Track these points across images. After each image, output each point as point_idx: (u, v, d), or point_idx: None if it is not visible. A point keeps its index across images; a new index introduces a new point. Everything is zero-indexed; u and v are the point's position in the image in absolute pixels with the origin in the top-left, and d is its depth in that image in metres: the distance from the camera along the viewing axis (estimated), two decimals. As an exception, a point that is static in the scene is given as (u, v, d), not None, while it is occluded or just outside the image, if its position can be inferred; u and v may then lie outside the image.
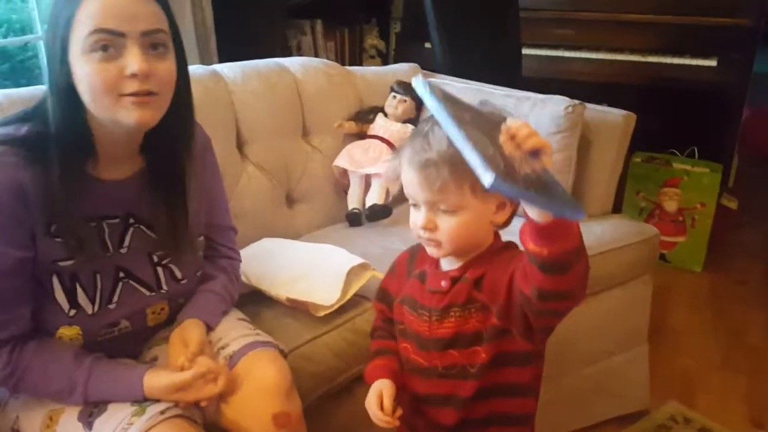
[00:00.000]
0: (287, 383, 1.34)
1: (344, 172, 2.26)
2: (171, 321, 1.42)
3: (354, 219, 2.18)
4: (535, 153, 0.90)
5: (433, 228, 1.14)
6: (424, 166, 1.10)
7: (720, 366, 2.54)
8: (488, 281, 1.15)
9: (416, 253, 1.29)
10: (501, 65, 2.97)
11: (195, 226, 1.40)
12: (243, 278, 1.73)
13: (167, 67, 1.20)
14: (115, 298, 1.31)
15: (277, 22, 3.36)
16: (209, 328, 1.41)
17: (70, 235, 1.22)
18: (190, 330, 1.35)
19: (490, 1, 2.95)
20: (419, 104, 2.34)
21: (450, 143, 0.98)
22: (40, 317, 1.26)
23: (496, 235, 1.21)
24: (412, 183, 1.13)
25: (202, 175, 1.42)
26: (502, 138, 0.91)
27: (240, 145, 2.11)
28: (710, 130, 3.32)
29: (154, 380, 1.24)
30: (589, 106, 2.14)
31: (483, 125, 0.95)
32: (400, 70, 2.58)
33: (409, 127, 2.30)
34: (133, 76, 1.13)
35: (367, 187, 2.23)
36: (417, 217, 1.15)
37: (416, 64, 2.64)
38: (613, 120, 2.16)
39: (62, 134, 1.18)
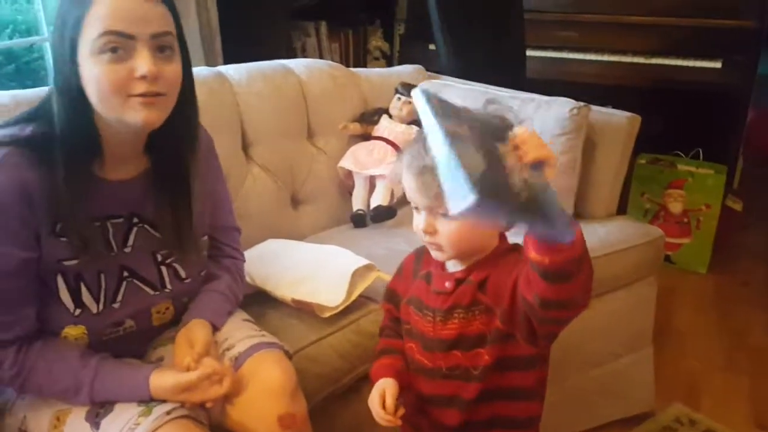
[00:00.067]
0: (292, 384, 1.34)
1: (349, 174, 2.26)
2: (176, 321, 1.42)
3: (358, 220, 2.19)
4: (538, 165, 0.90)
5: (432, 232, 1.15)
6: (421, 173, 1.11)
7: (724, 367, 2.54)
8: (492, 284, 1.15)
9: (422, 254, 1.30)
10: (505, 67, 2.97)
11: (199, 226, 1.41)
12: (248, 279, 1.73)
13: (174, 68, 1.21)
14: (120, 298, 1.31)
15: (282, 24, 3.37)
16: (215, 329, 1.42)
17: (75, 235, 1.23)
18: (195, 330, 1.36)
19: (493, 3, 2.95)
20: (424, 106, 2.34)
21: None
22: (45, 317, 1.26)
23: (503, 237, 1.21)
24: (410, 188, 1.14)
25: (205, 176, 1.43)
26: (508, 148, 0.91)
27: (245, 147, 2.12)
28: (715, 131, 3.32)
29: (160, 380, 1.24)
30: (594, 108, 2.14)
31: (481, 139, 0.92)
32: (405, 71, 2.59)
33: (414, 128, 2.30)
34: (143, 77, 1.15)
35: (372, 188, 2.23)
36: (418, 220, 1.17)
37: (421, 66, 2.64)
38: (617, 122, 2.16)
39: (68, 134, 1.19)
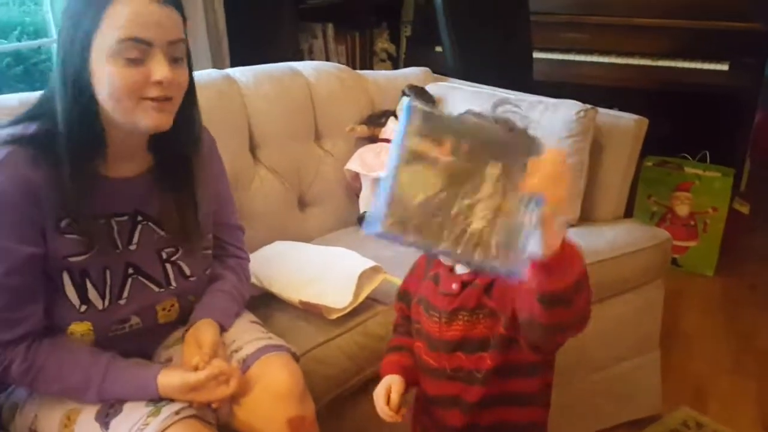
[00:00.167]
0: (300, 387, 1.35)
1: (356, 176, 2.27)
2: (182, 319, 1.43)
3: (366, 222, 2.18)
4: (538, 199, 0.89)
5: None
6: None
7: (731, 370, 2.53)
8: (498, 288, 1.15)
9: None
10: (512, 69, 2.97)
11: (204, 225, 1.43)
12: (255, 281, 1.74)
13: (184, 74, 1.25)
14: (125, 294, 1.32)
15: (289, 26, 3.37)
16: (222, 329, 1.42)
17: (80, 232, 1.24)
18: (203, 331, 1.36)
19: (501, 5, 2.96)
20: (431, 108, 2.35)
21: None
22: (51, 313, 1.27)
23: None
24: None
25: (208, 176, 1.44)
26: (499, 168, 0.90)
27: (253, 149, 2.12)
28: (722, 134, 3.31)
29: (168, 379, 1.25)
30: (601, 110, 2.14)
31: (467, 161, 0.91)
32: (412, 74, 2.59)
33: (421, 130, 2.30)
34: (158, 83, 1.18)
35: (379, 190, 2.23)
36: None
37: (427, 68, 2.64)
38: (625, 124, 2.16)
39: (73, 132, 1.20)
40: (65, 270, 1.26)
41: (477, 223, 0.91)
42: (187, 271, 1.41)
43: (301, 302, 1.67)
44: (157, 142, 1.32)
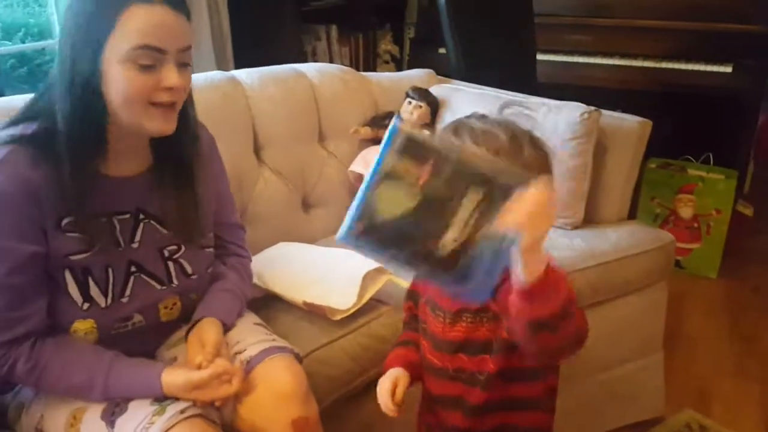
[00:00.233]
0: (304, 388, 1.35)
1: (359, 177, 2.26)
2: (184, 318, 1.44)
3: (369, 224, 2.18)
4: (517, 235, 0.89)
5: None
6: None
7: (734, 372, 2.53)
8: (503, 292, 1.14)
9: None
10: (515, 70, 2.98)
11: (205, 222, 1.45)
12: (259, 282, 1.74)
13: (189, 78, 1.28)
14: (128, 292, 1.33)
15: (292, 28, 3.38)
16: (225, 327, 1.43)
17: (82, 231, 1.26)
18: (207, 330, 1.37)
19: (505, 7, 2.96)
20: (434, 110, 2.35)
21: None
22: (54, 312, 1.28)
23: None
24: None
25: (208, 174, 1.47)
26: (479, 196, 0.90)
27: (257, 150, 2.13)
28: (725, 136, 3.31)
29: (172, 377, 1.26)
30: (605, 112, 2.14)
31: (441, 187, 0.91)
32: (416, 75, 2.59)
33: (425, 132, 2.30)
34: (169, 89, 1.21)
35: (383, 192, 2.23)
36: None
37: (431, 70, 2.64)
38: (628, 126, 2.16)
39: (75, 131, 1.21)
40: (67, 268, 1.27)
41: (448, 245, 0.92)
42: (189, 269, 1.42)
43: (305, 303, 1.68)
44: (157, 141, 1.34)
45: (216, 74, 2.12)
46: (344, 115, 2.31)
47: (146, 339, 1.42)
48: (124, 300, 1.33)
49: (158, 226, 1.38)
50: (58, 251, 1.25)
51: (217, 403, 1.28)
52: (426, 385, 1.30)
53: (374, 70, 3.97)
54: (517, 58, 3.05)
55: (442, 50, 3.42)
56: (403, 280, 1.73)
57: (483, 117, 1.15)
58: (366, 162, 2.24)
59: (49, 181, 1.21)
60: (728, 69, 3.20)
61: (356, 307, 1.66)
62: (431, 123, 2.35)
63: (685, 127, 3.35)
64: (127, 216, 1.34)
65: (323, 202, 2.25)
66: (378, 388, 1.27)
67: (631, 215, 2.29)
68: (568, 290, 0.96)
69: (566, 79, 3.46)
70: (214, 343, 1.34)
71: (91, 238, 1.26)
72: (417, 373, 1.28)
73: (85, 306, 1.29)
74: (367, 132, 2.31)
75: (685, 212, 3.20)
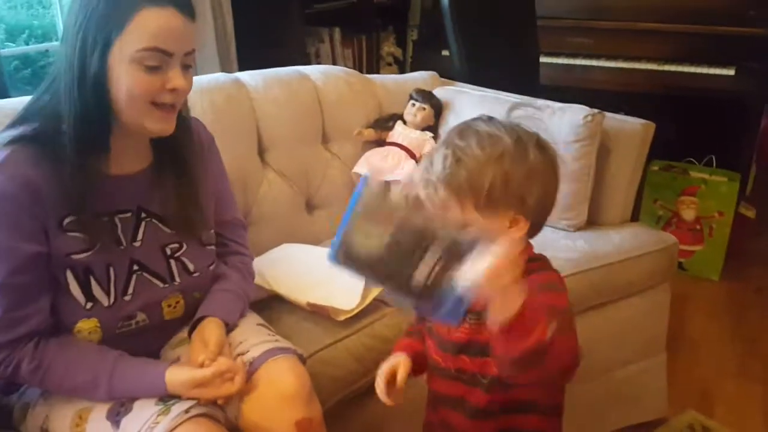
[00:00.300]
0: (307, 389, 1.36)
1: (363, 179, 2.27)
2: (187, 316, 1.44)
3: (373, 225, 2.19)
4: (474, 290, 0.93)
5: None
6: (425, 186, 1.14)
7: (737, 374, 2.53)
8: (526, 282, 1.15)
9: None
10: (519, 73, 2.98)
11: (206, 219, 1.46)
12: (263, 283, 1.75)
13: (191, 79, 1.30)
14: (130, 291, 1.34)
15: (296, 30, 3.39)
16: (228, 327, 1.44)
17: (83, 230, 1.27)
18: (209, 330, 1.38)
19: (508, 10, 2.96)
20: (438, 112, 2.36)
21: (445, 165, 1.07)
22: (58, 312, 1.29)
23: (528, 246, 1.20)
24: (421, 197, 1.17)
25: (207, 170, 1.49)
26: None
27: (261, 152, 2.13)
28: (728, 138, 3.31)
29: (175, 375, 1.27)
30: (608, 115, 2.14)
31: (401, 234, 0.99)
32: (419, 78, 2.60)
33: (428, 134, 2.31)
34: (173, 90, 1.23)
35: (386, 194, 2.24)
36: None
37: (435, 73, 2.65)
38: (631, 129, 2.16)
39: (79, 129, 1.22)
40: (69, 268, 1.27)
41: (419, 284, 0.98)
42: (191, 267, 1.43)
43: (309, 304, 1.68)
44: (157, 139, 1.36)
45: (220, 76, 2.13)
46: (348, 117, 2.32)
47: (150, 338, 1.43)
48: (127, 298, 1.34)
49: (160, 225, 1.39)
50: (59, 251, 1.26)
51: (220, 401, 1.29)
52: (430, 385, 1.30)
53: (377, 72, 3.98)
54: (520, 60, 3.06)
55: (444, 52, 3.43)
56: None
57: (490, 120, 1.15)
58: (370, 164, 2.25)
59: (51, 181, 1.22)
60: (731, 72, 3.20)
61: (360, 308, 1.67)
62: (435, 125, 2.36)
63: (687, 129, 3.35)
64: (129, 215, 1.35)
65: (327, 204, 2.26)
66: (377, 374, 1.27)
67: (634, 217, 2.30)
68: (547, 323, 0.95)
69: (569, 82, 3.46)
70: (217, 343, 1.35)
71: (92, 237, 1.28)
72: (421, 363, 1.29)
73: (89, 305, 1.29)
74: (370, 134, 2.32)
75: (688, 214, 3.20)
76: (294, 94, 2.21)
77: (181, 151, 1.40)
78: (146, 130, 1.27)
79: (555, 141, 1.93)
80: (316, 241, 2.10)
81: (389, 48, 4.13)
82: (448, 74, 2.72)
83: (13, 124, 1.28)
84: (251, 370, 1.35)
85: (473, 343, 1.19)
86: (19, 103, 1.63)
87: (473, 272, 0.92)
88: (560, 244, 2.03)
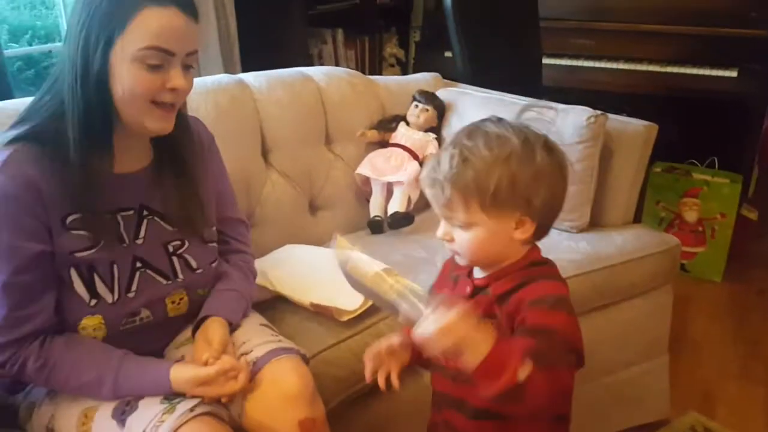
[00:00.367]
0: (310, 389, 1.36)
1: (366, 180, 2.28)
2: (192, 314, 1.45)
3: (376, 226, 2.20)
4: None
5: (450, 239, 1.17)
6: (431, 185, 1.14)
7: (739, 376, 2.53)
8: (514, 301, 1.14)
9: None
10: (521, 74, 2.99)
11: (207, 216, 1.47)
12: (267, 284, 1.75)
13: (192, 80, 1.31)
14: (134, 287, 1.35)
15: (299, 31, 3.40)
16: (231, 327, 1.45)
17: (87, 228, 1.27)
18: (213, 329, 1.39)
19: (511, 11, 2.97)
20: (441, 113, 2.36)
21: (452, 165, 1.09)
22: (62, 310, 1.30)
23: (534, 249, 1.20)
24: (427, 197, 1.18)
25: (207, 168, 1.50)
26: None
27: (264, 153, 2.14)
28: (730, 140, 3.31)
29: (180, 373, 1.28)
30: (611, 116, 2.14)
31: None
32: (422, 79, 2.60)
33: (431, 135, 2.32)
34: (173, 89, 1.24)
35: (389, 195, 2.25)
36: (440, 227, 1.19)
37: (438, 74, 2.65)
38: (634, 130, 2.16)
39: (83, 126, 1.23)
40: (72, 266, 1.28)
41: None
42: (194, 264, 1.44)
43: (312, 304, 1.69)
44: (157, 137, 1.37)
45: (224, 77, 2.14)
46: (351, 118, 2.32)
47: (155, 335, 1.43)
48: (131, 295, 1.35)
49: (162, 222, 1.40)
50: (63, 249, 1.27)
51: (223, 400, 1.30)
52: (434, 385, 1.31)
53: (380, 73, 3.99)
54: (523, 62, 3.07)
55: (447, 54, 3.43)
56: (407, 281, 1.74)
57: (499, 121, 1.15)
58: (373, 165, 2.25)
59: (53, 180, 1.23)
60: (733, 73, 3.20)
61: (363, 308, 1.67)
62: (438, 126, 2.36)
63: (690, 131, 3.35)
64: (131, 212, 1.36)
65: (330, 205, 2.27)
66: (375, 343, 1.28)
67: (637, 219, 2.30)
68: (515, 369, 0.98)
69: (571, 83, 3.46)
70: (221, 342, 1.36)
71: (95, 235, 1.29)
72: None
73: (93, 302, 1.30)
74: (374, 135, 2.33)
75: (690, 216, 3.20)
76: (297, 96, 2.21)
77: (180, 149, 1.41)
78: (146, 128, 1.28)
79: (558, 142, 1.93)
80: (319, 242, 2.09)
81: (392, 49, 4.14)
82: (451, 75, 2.73)
83: (14, 125, 1.29)
84: (254, 370, 1.36)
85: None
86: (22, 104, 1.64)
87: (422, 332, 1.00)
88: (563, 245, 2.03)
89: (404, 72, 4.12)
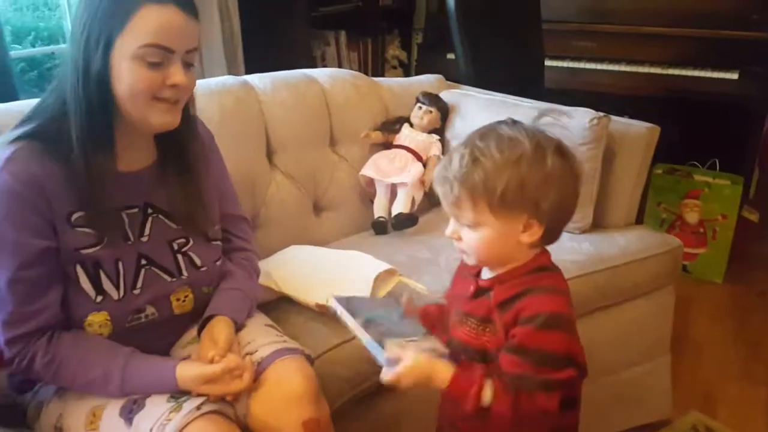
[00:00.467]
0: (314, 390, 1.37)
1: (370, 181, 2.29)
2: (197, 312, 1.46)
3: (380, 227, 2.20)
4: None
5: (458, 238, 1.18)
6: (442, 183, 1.15)
7: (740, 377, 2.54)
8: (512, 312, 1.14)
9: None
10: (523, 76, 2.99)
11: (211, 214, 1.49)
12: (272, 284, 1.76)
13: (194, 77, 1.33)
14: (139, 284, 1.36)
15: (302, 33, 3.41)
16: (236, 326, 1.46)
17: (92, 226, 1.29)
18: (218, 328, 1.40)
19: (513, 13, 2.98)
20: (444, 115, 2.37)
21: (462, 164, 1.11)
22: (68, 306, 1.31)
23: (543, 253, 1.21)
24: (438, 194, 1.19)
25: (209, 166, 1.52)
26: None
27: (269, 154, 2.15)
28: (731, 142, 3.31)
29: (186, 371, 1.29)
30: (614, 118, 2.15)
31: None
32: (426, 81, 2.61)
33: (434, 137, 2.33)
34: (174, 86, 1.26)
35: (393, 196, 2.25)
36: (449, 225, 1.20)
37: (441, 76, 2.66)
38: (637, 132, 2.17)
39: (86, 124, 1.24)
40: (78, 262, 1.30)
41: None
42: (198, 262, 1.45)
43: (317, 305, 1.69)
44: (161, 136, 1.38)
45: (229, 79, 2.15)
46: (355, 119, 2.33)
47: (161, 333, 1.44)
48: (136, 292, 1.36)
49: (166, 221, 1.41)
50: (68, 245, 1.28)
51: (228, 398, 1.31)
52: None
53: (382, 75, 4.00)
54: (525, 63, 3.07)
55: (449, 55, 3.44)
56: (412, 281, 1.76)
57: (514, 123, 1.15)
58: (376, 166, 2.26)
59: (59, 177, 1.25)
60: (734, 76, 3.20)
61: (368, 309, 1.68)
62: (441, 128, 2.37)
63: (691, 133, 3.36)
64: (136, 210, 1.37)
65: (334, 206, 2.27)
66: None
67: (638, 220, 2.31)
68: (475, 397, 1.11)
69: (573, 85, 3.46)
70: (226, 340, 1.37)
71: (100, 232, 1.30)
72: (430, 321, 1.34)
73: (99, 299, 1.31)
74: (377, 136, 2.34)
75: (691, 217, 3.21)
76: (302, 97, 2.22)
77: (185, 147, 1.42)
78: (151, 125, 1.29)
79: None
80: (323, 243, 2.11)
81: (394, 51, 4.15)
82: (452, 77, 2.74)
83: (19, 124, 1.31)
84: (259, 370, 1.37)
85: (471, 346, 1.20)
86: (27, 105, 1.65)
87: (383, 377, 1.15)
88: (566, 246, 2.04)
89: (406, 74, 4.13)
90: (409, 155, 2.27)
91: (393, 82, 2.58)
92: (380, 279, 1.71)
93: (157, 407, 1.26)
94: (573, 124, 2.07)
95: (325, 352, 1.60)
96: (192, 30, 1.28)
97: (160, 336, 1.44)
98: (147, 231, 1.38)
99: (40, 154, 1.24)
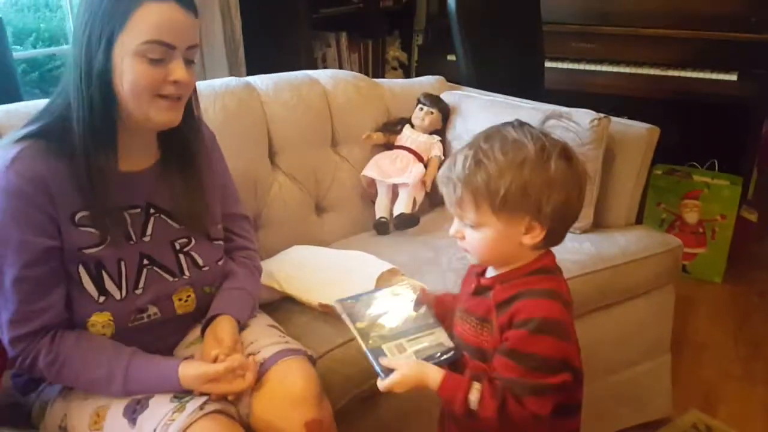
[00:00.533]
0: (317, 391, 1.37)
1: (372, 182, 2.29)
2: (199, 312, 1.47)
3: (382, 228, 2.21)
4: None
5: (461, 237, 1.19)
6: (445, 184, 1.17)
7: (740, 377, 2.55)
8: (508, 314, 1.14)
9: None
10: (524, 77, 3.00)
11: (213, 213, 1.49)
12: (275, 284, 1.77)
13: (194, 74, 1.34)
14: (141, 284, 1.37)
15: (303, 35, 3.42)
16: (239, 325, 1.46)
17: (95, 225, 1.30)
18: (222, 327, 1.41)
19: (514, 15, 2.99)
20: (445, 116, 2.38)
21: (466, 166, 1.12)
22: (71, 306, 1.31)
23: (547, 255, 1.22)
24: (443, 195, 1.20)
25: (211, 166, 1.53)
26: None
27: (271, 155, 2.16)
28: (730, 143, 3.33)
29: (189, 370, 1.30)
30: (614, 119, 2.16)
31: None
32: (427, 82, 2.62)
33: (436, 138, 2.34)
34: (175, 82, 1.27)
35: (395, 196, 2.26)
36: (452, 224, 1.21)
37: (442, 77, 2.67)
38: (637, 133, 2.18)
39: (89, 123, 1.25)
40: (81, 262, 1.30)
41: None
42: (200, 261, 1.46)
43: (320, 305, 1.70)
44: (164, 135, 1.39)
45: (231, 80, 2.15)
46: (357, 120, 2.34)
47: (164, 333, 1.45)
48: (138, 292, 1.36)
49: (168, 220, 1.42)
50: (71, 245, 1.29)
51: (230, 397, 1.31)
52: None
53: (383, 76, 4.00)
54: (526, 65, 3.08)
55: (449, 57, 3.45)
56: (414, 281, 1.76)
57: (521, 125, 1.15)
58: (378, 167, 2.27)
59: (64, 176, 1.26)
60: (734, 77, 3.21)
61: (370, 309, 1.68)
62: (442, 129, 2.38)
63: (690, 134, 3.37)
64: (138, 210, 1.38)
65: (336, 206, 2.28)
66: None
67: (638, 220, 2.31)
68: (462, 401, 1.13)
69: (573, 86, 3.47)
70: (230, 339, 1.37)
71: (103, 232, 1.30)
72: (441, 309, 1.35)
73: (101, 299, 1.32)
74: (379, 137, 2.34)
75: (691, 217, 3.23)
76: (304, 98, 2.23)
77: (188, 147, 1.43)
78: (153, 122, 1.30)
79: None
80: (325, 243, 2.12)
81: (395, 52, 4.16)
82: (452, 79, 2.74)
83: (26, 125, 1.31)
84: (262, 370, 1.37)
85: (471, 344, 1.21)
86: (33, 106, 1.67)
87: (380, 386, 1.19)
88: (567, 246, 2.01)
89: (407, 75, 4.14)
90: (411, 156, 2.28)
91: (394, 84, 2.59)
92: (383, 279, 1.72)
93: (160, 407, 1.27)
94: (573, 125, 2.08)
95: (329, 351, 1.61)
96: (192, 26, 1.29)
97: (163, 336, 1.45)
98: (149, 231, 1.39)
99: (46, 153, 1.25)
